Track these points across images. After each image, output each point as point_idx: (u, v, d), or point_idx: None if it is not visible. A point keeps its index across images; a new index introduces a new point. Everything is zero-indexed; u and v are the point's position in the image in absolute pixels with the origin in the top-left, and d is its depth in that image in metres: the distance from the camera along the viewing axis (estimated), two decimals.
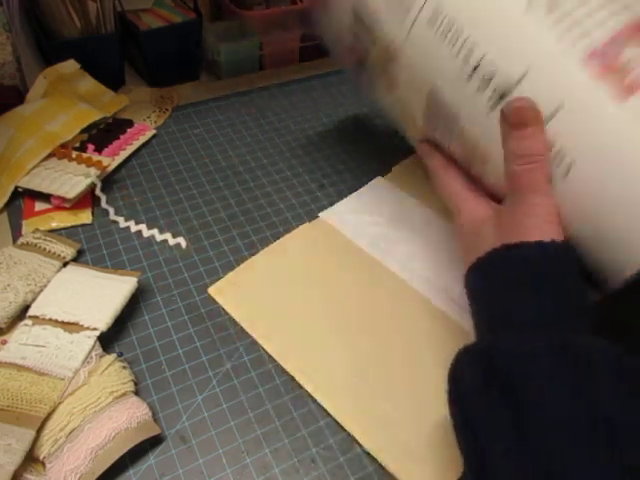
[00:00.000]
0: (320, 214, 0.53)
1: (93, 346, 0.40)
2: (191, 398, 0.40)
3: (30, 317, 0.41)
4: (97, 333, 0.40)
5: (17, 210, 0.52)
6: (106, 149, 0.57)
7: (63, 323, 0.41)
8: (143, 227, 0.51)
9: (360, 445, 0.38)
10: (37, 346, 0.39)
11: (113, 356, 0.40)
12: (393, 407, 0.39)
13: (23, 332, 0.40)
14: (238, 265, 0.49)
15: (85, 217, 0.51)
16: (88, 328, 0.40)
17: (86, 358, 0.39)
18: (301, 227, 0.52)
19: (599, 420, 0.24)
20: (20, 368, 0.38)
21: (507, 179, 0.35)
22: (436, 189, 0.43)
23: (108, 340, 0.42)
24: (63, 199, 0.50)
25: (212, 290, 0.46)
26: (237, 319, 0.44)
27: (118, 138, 0.59)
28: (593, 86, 0.33)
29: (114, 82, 0.66)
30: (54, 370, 0.38)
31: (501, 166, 0.36)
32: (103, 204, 0.52)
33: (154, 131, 0.62)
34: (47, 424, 0.35)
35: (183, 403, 0.40)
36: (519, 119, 0.33)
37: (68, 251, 0.46)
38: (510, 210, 0.35)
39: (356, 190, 0.56)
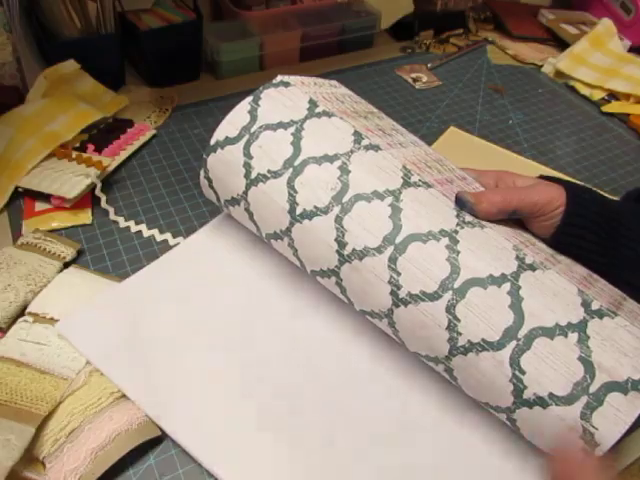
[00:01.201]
0: None
1: None
2: None
3: (30, 314, 0.41)
4: None
5: (17, 210, 0.52)
6: (106, 149, 0.57)
7: None
8: (143, 227, 0.51)
9: None
10: (38, 344, 0.39)
11: None
12: None
13: (22, 328, 0.40)
14: None
15: (85, 217, 0.51)
16: None
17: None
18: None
19: None
20: (19, 364, 0.38)
21: None
22: None
23: None
24: (63, 199, 0.50)
25: None
26: None
27: (118, 138, 0.59)
28: None
29: (114, 82, 0.66)
30: (56, 369, 0.38)
31: None
32: (103, 204, 0.52)
33: (154, 131, 0.62)
34: (47, 424, 0.35)
35: None
36: None
37: (68, 251, 0.46)
38: None
39: None
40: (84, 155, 0.55)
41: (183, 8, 0.70)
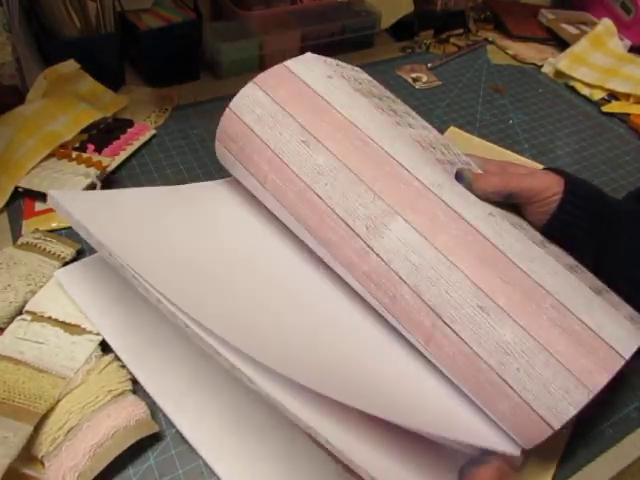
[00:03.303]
0: None
1: (95, 349, 0.40)
2: None
3: (28, 312, 0.41)
4: (100, 338, 0.40)
5: (17, 210, 0.52)
6: (106, 149, 0.57)
7: (64, 323, 0.40)
8: None
9: None
10: (36, 342, 0.39)
11: (111, 356, 0.39)
12: None
13: (20, 326, 0.40)
14: None
15: None
16: (91, 332, 0.40)
17: (87, 360, 0.39)
18: None
19: None
20: (17, 362, 0.38)
21: None
22: None
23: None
24: None
25: None
26: None
27: (118, 138, 0.59)
28: None
29: (114, 82, 0.66)
30: (54, 368, 0.38)
31: None
32: None
33: (154, 131, 0.62)
34: (46, 422, 0.35)
35: None
36: None
37: (68, 251, 0.46)
38: None
39: None
40: (84, 155, 0.55)
41: (183, 8, 0.70)
